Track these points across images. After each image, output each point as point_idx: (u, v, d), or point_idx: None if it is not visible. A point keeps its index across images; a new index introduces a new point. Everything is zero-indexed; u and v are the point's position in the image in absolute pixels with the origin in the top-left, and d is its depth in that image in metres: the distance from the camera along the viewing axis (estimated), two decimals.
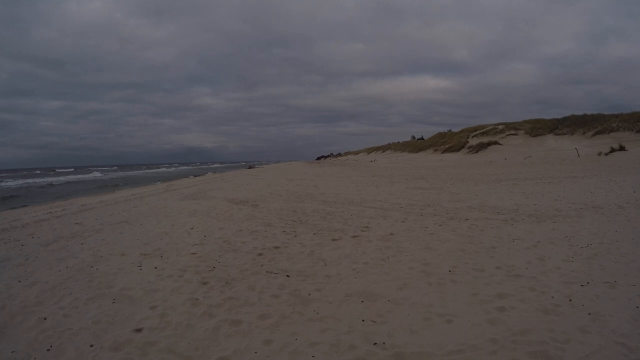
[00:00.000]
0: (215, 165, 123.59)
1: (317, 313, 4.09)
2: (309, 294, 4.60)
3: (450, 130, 62.31)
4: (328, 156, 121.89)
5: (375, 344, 3.41)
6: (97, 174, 62.34)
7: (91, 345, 3.59)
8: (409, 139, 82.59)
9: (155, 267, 5.85)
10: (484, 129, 50.11)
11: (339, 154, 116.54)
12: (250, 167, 62.39)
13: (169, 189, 21.94)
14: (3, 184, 42.98)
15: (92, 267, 6.04)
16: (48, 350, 3.58)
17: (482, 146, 44.01)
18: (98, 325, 4.00)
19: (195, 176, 43.10)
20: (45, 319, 4.24)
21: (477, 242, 6.56)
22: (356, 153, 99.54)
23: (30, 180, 47.29)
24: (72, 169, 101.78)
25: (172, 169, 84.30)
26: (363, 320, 3.86)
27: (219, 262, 6.02)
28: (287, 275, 5.27)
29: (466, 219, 8.46)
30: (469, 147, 46.41)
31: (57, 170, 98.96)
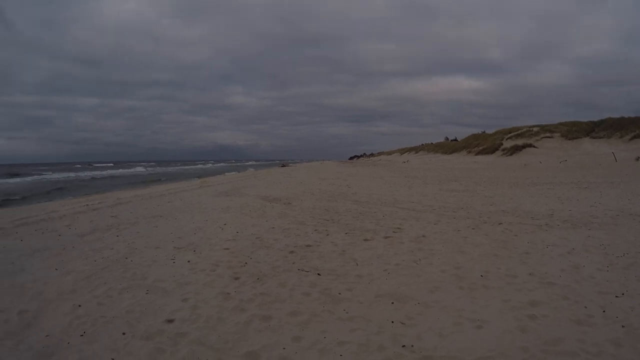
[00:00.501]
0: (250, 162, 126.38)
1: (347, 312, 4.19)
2: (340, 293, 4.72)
3: (484, 132, 62.08)
4: (361, 156, 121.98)
5: (403, 346, 3.46)
6: (139, 169, 66.00)
7: (123, 334, 3.83)
8: (442, 139, 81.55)
9: (189, 261, 6.13)
10: (519, 131, 49.19)
11: (372, 154, 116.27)
12: (283, 166, 63.44)
13: (203, 185, 22.71)
14: (49, 176, 46.20)
15: (126, 258, 6.42)
16: (81, 335, 3.83)
17: (516, 149, 43.52)
18: (131, 315, 4.25)
19: (238, 172, 44.29)
20: (79, 306, 4.54)
21: (511, 247, 6.57)
22: (389, 153, 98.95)
23: (72, 174, 50.28)
24: (112, 164, 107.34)
25: (207, 166, 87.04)
26: (392, 322, 3.92)
27: (251, 258, 6.24)
28: (319, 274, 5.42)
29: (499, 223, 8.46)
30: (503, 150, 46.01)
31: (94, 165, 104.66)
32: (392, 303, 4.39)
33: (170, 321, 4.08)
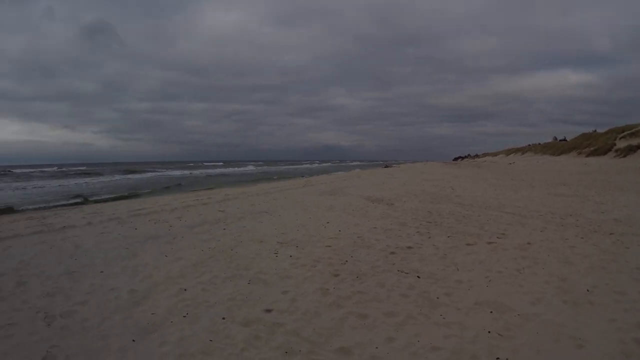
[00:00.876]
0: (355, 163, 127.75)
1: (444, 318, 4.11)
2: (438, 298, 4.64)
3: (595, 131, 56.59)
4: (465, 157, 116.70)
5: (498, 358, 3.31)
6: (250, 168, 70.61)
7: (223, 318, 4.15)
8: (549, 139, 74.51)
9: (291, 256, 6.40)
10: (634, 129, 43.14)
11: (477, 155, 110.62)
12: (386, 166, 62.86)
13: (307, 184, 23.45)
14: (164, 173, 51.48)
15: (232, 250, 6.90)
16: (184, 316, 4.24)
17: (630, 149, 38.67)
18: (232, 302, 4.59)
19: (343, 172, 45.03)
20: (185, 290, 5.02)
21: (622, 260, 5.98)
22: (494, 154, 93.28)
23: (186, 172, 55.33)
24: (222, 163, 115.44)
25: (314, 166, 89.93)
26: (489, 332, 3.77)
27: (351, 256, 6.34)
28: (418, 276, 5.36)
29: (611, 233, 7.70)
30: (616, 150, 41.39)
31: (204, 163, 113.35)
32: (491, 312, 4.23)
33: (268, 311, 4.32)
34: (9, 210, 16.57)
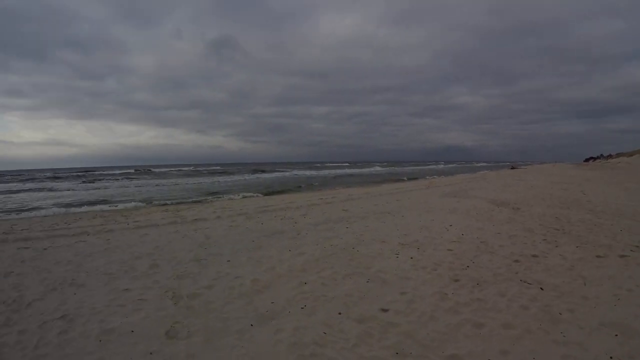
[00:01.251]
0: (481, 164, 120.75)
1: (564, 336, 3.74)
2: (560, 313, 4.21)
3: None
4: (597, 158, 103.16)
5: None
6: (377, 168, 71.18)
7: (339, 313, 4.19)
8: None
9: (411, 257, 6.27)
10: None
11: (610, 155, 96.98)
12: (512, 168, 58.59)
13: (431, 185, 22.89)
14: (297, 173, 53.95)
15: (353, 248, 6.98)
16: (302, 308, 4.38)
17: None
18: (349, 298, 4.62)
19: (468, 174, 43.13)
20: (305, 283, 5.19)
21: None
22: (630, 154, 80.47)
23: (313, 172, 57.31)
24: (347, 163, 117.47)
25: (439, 167, 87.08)
26: (611, 357, 3.34)
27: (473, 262, 6.04)
28: (541, 288, 4.93)
29: None
30: None
31: (326, 164, 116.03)
32: (616, 335, 3.73)
33: (384, 310, 4.27)
34: (147, 202, 18.63)
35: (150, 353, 3.57)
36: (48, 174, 61.92)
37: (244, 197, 20.18)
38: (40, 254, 7.40)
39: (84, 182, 41.38)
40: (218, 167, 79.38)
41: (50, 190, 31.01)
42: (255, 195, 21.27)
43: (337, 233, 8.29)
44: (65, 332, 4.08)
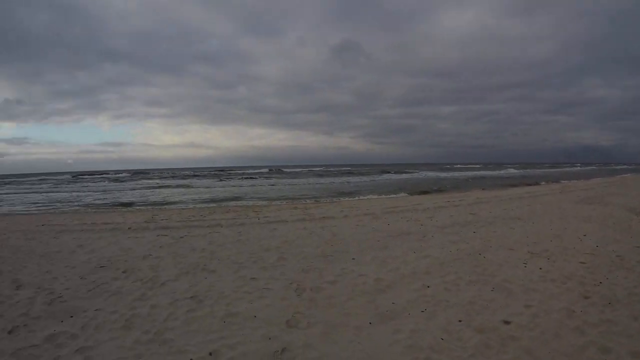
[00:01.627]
0: (621, 166, 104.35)
1: None
2: None
3: None
4: None
5: None
6: (511, 170, 67.40)
7: (460, 321, 4.11)
8: None
9: (540, 268, 5.89)
10: None
11: None
12: None
13: (564, 189, 21.12)
14: (426, 174, 53.13)
15: (479, 254, 6.75)
16: (422, 311, 4.38)
17: None
18: (471, 306, 4.50)
19: (606, 177, 38.72)
20: (428, 287, 5.16)
21: None
22: None
23: (442, 174, 55.99)
24: (479, 165, 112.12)
25: (574, 169, 78.94)
26: None
27: (607, 278, 5.47)
28: None
29: None
30: None
31: (456, 165, 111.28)
32: None
33: (506, 322, 4.08)
34: (279, 199, 19.68)
35: (269, 338, 3.85)
36: (187, 172, 68.68)
37: (389, 197, 20.44)
38: (176, 241, 8.36)
39: (220, 180, 45.30)
40: (348, 168, 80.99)
41: (188, 187, 34.41)
42: (400, 195, 21.43)
43: (463, 237, 8.09)
44: (193, 310, 4.62)
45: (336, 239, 8.28)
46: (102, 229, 10.37)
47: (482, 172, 64.01)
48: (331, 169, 76.13)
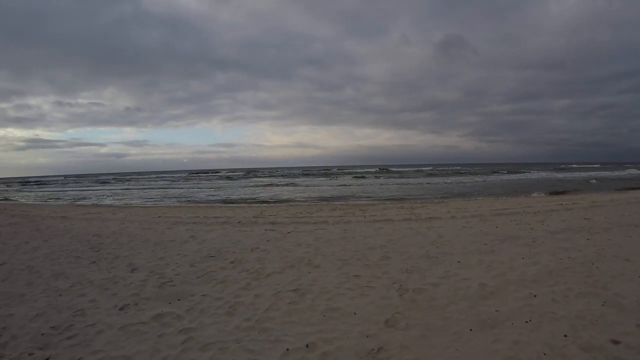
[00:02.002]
0: None
1: None
2: None
3: None
4: None
5: None
6: (632, 171, 60.48)
7: (565, 335, 3.84)
8: None
9: None
10: None
11: None
12: None
13: None
14: (553, 174, 49.83)
15: (592, 264, 6.22)
16: (526, 322, 4.16)
17: None
18: (579, 321, 4.16)
19: None
20: (534, 296, 4.89)
21: None
22: None
23: (560, 174, 51.82)
24: (598, 165, 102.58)
25: None
26: None
27: None
28: None
29: None
30: None
31: (571, 165, 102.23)
32: None
33: (615, 342, 3.72)
34: (386, 199, 19.64)
35: (367, 336, 3.94)
36: (296, 171, 70.81)
37: (499, 198, 19.74)
38: (283, 236, 8.77)
39: (329, 178, 46.39)
40: (457, 167, 78.42)
41: (296, 185, 35.58)
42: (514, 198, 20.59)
43: (575, 244, 7.52)
44: (295, 302, 4.87)
45: (442, 240, 8.17)
46: (213, 222, 11.19)
47: (599, 172, 58.47)
48: (439, 169, 74.36)
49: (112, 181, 62.08)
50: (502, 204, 14.99)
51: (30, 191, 42.37)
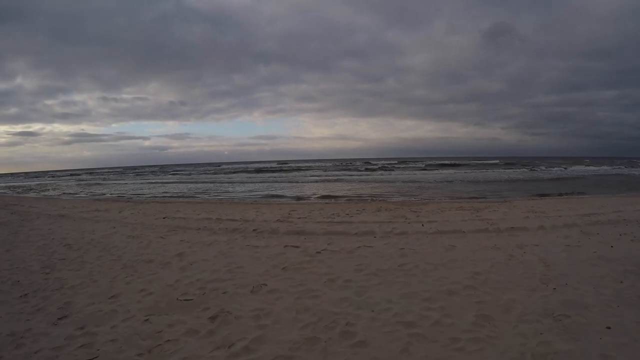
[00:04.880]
0: None
1: None
2: None
3: None
4: None
5: None
6: None
7: None
8: None
9: None
10: None
11: None
12: None
13: None
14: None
15: None
16: None
17: None
18: None
19: None
20: None
21: None
22: None
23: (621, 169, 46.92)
24: None
25: None
26: None
27: None
28: None
29: None
30: None
31: (614, 159, 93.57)
32: None
33: None
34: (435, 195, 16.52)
35: None
36: (337, 163, 68.12)
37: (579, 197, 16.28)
38: (309, 260, 5.91)
39: (369, 171, 43.51)
40: (497, 161, 73.00)
41: (340, 179, 32.56)
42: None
43: None
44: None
45: (552, 272, 4.99)
46: (221, 230, 8.40)
47: None
48: (483, 161, 69.45)
49: (173, 172, 61.07)
50: (584, 207, 11.46)
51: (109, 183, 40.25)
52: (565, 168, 45.29)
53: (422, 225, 8.33)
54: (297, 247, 6.62)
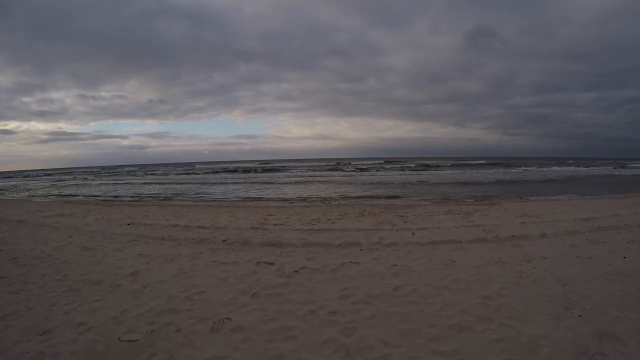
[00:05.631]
0: None
1: None
2: None
3: None
4: None
5: None
6: None
7: None
8: None
9: None
10: None
11: None
12: None
13: None
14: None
15: None
16: None
17: None
18: None
19: None
20: None
21: None
22: None
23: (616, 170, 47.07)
24: None
25: None
26: None
27: None
28: None
29: None
30: None
31: (596, 159, 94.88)
32: None
33: None
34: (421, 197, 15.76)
35: None
36: (317, 164, 67.45)
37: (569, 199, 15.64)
38: (284, 283, 4.78)
39: (349, 171, 42.55)
40: (483, 161, 72.96)
41: (327, 181, 31.83)
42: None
43: None
44: None
45: (573, 294, 4.21)
46: (187, 240, 7.39)
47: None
48: (464, 162, 69.51)
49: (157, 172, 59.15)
50: (578, 210, 10.79)
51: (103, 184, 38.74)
52: (550, 168, 45.35)
53: (413, 233, 7.47)
54: (271, 264, 5.66)
